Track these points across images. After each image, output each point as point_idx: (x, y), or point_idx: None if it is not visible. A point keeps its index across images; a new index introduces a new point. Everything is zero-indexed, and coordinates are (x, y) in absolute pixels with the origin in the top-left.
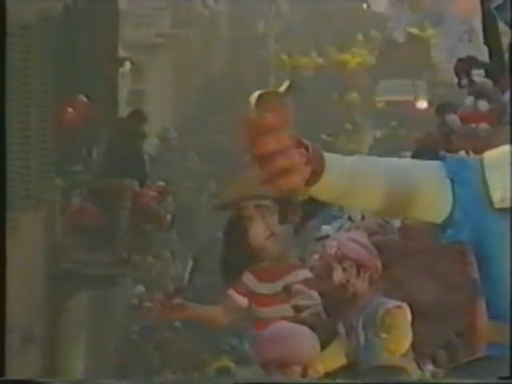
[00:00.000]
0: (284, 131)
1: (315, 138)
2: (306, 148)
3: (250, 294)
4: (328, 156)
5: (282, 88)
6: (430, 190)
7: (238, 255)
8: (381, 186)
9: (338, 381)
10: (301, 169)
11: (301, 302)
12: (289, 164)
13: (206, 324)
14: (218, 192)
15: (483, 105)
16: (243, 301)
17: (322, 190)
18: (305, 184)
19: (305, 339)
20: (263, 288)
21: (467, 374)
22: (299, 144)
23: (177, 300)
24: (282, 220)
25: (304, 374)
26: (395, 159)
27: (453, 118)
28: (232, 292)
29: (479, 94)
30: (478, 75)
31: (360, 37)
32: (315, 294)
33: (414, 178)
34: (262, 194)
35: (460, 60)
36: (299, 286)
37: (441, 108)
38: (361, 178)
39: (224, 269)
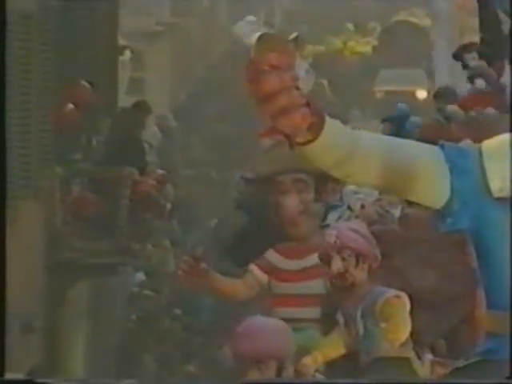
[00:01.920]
0: (286, 72)
1: None
2: (307, 98)
3: (272, 270)
4: (328, 118)
5: (289, 37)
6: (430, 171)
7: (264, 232)
8: (381, 160)
9: (337, 380)
10: (302, 110)
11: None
12: (290, 102)
13: (224, 297)
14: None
15: (480, 84)
16: (263, 277)
17: (320, 151)
18: (309, 125)
19: (280, 334)
20: (288, 264)
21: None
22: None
23: (203, 265)
24: (317, 197)
25: (280, 370)
26: (397, 138)
27: (454, 109)
28: (253, 267)
29: (475, 75)
30: (472, 59)
31: (360, 26)
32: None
33: (414, 157)
34: (300, 168)
35: (459, 47)
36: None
37: (439, 94)
38: (361, 150)
39: (244, 246)
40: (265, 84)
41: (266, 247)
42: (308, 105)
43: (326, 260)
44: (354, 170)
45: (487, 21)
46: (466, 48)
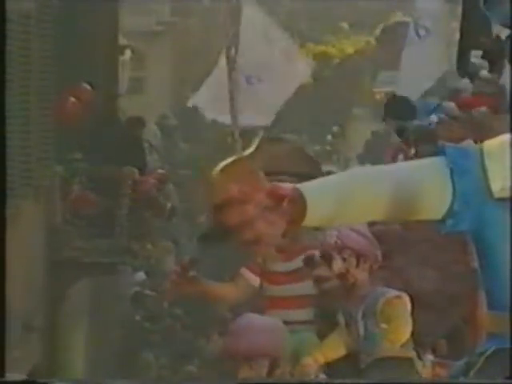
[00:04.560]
0: (249, 203)
1: (318, 130)
2: (282, 198)
3: (263, 273)
4: (308, 190)
5: (249, 150)
6: (433, 190)
7: None
8: (382, 196)
9: (338, 380)
10: (265, 241)
11: (323, 272)
12: (254, 236)
13: (216, 300)
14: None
15: (485, 74)
16: (255, 280)
17: (310, 222)
18: (287, 227)
19: (272, 333)
20: (277, 266)
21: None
22: (274, 195)
23: (192, 272)
24: None
25: (272, 367)
26: (394, 166)
27: (449, 105)
28: (244, 270)
29: (475, 75)
30: (476, 57)
31: (359, 26)
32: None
33: (414, 183)
34: (279, 171)
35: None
36: (319, 257)
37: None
38: (353, 196)
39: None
40: (226, 218)
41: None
42: (283, 214)
43: (327, 260)
44: (354, 216)
45: (476, 22)
46: (475, 45)
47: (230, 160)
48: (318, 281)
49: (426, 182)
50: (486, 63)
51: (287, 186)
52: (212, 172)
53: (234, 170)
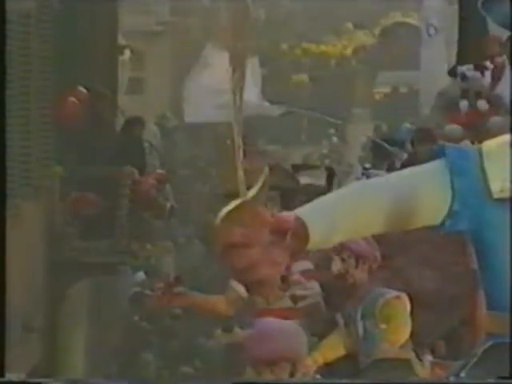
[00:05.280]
0: (254, 247)
1: (317, 130)
2: (286, 232)
3: (252, 284)
4: (309, 217)
5: (252, 192)
6: (432, 200)
7: None
8: (382, 210)
9: (337, 381)
10: (272, 279)
11: (298, 292)
12: (259, 278)
13: (207, 313)
14: (221, 182)
15: (483, 105)
16: (244, 292)
17: (311, 247)
18: (290, 261)
19: (292, 335)
20: None
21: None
22: (278, 231)
23: (178, 288)
24: (284, 209)
25: (293, 370)
26: (393, 176)
27: (454, 128)
28: (234, 282)
29: (474, 93)
30: (468, 70)
31: (359, 26)
32: (315, 284)
33: (414, 192)
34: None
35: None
36: (296, 277)
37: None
38: (352, 213)
39: None
40: (232, 262)
41: None
42: (286, 249)
43: (325, 261)
44: (351, 233)
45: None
46: (461, 60)
47: (233, 205)
48: (293, 300)
49: (426, 191)
50: (479, 74)
51: (289, 217)
52: (216, 219)
53: (238, 215)
